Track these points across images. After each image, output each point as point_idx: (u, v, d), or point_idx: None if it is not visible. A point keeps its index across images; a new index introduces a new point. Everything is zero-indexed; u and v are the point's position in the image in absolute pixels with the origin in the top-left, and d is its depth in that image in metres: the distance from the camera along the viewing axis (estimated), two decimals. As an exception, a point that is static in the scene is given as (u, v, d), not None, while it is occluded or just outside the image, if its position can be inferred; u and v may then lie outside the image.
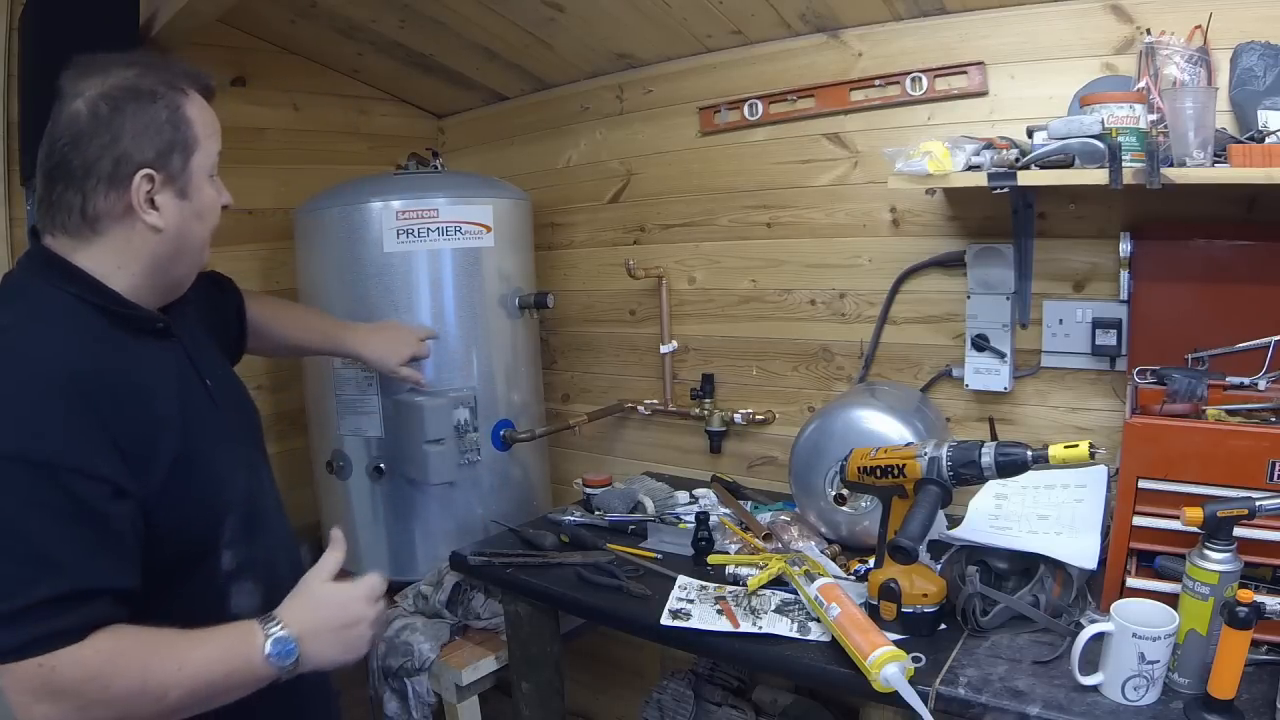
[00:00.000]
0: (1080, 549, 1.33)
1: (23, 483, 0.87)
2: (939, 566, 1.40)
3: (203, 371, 1.14)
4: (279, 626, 0.99)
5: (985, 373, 1.78)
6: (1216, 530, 1.08)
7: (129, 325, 1.03)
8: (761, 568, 1.48)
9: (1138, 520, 1.22)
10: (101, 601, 0.90)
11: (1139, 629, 1.07)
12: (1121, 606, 1.13)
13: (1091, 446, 1.14)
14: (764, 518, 1.78)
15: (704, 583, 1.53)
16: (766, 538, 1.67)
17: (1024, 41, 1.67)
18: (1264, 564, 1.17)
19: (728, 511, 1.87)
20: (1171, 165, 1.31)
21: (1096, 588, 1.31)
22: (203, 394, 1.12)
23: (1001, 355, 1.75)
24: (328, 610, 1.04)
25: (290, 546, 1.24)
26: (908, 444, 1.37)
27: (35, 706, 0.86)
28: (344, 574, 1.10)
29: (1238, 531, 1.08)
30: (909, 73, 1.80)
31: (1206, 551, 1.09)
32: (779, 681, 2.07)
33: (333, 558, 1.09)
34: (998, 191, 1.47)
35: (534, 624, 1.75)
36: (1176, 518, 1.11)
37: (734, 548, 1.66)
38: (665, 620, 1.41)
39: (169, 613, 0.96)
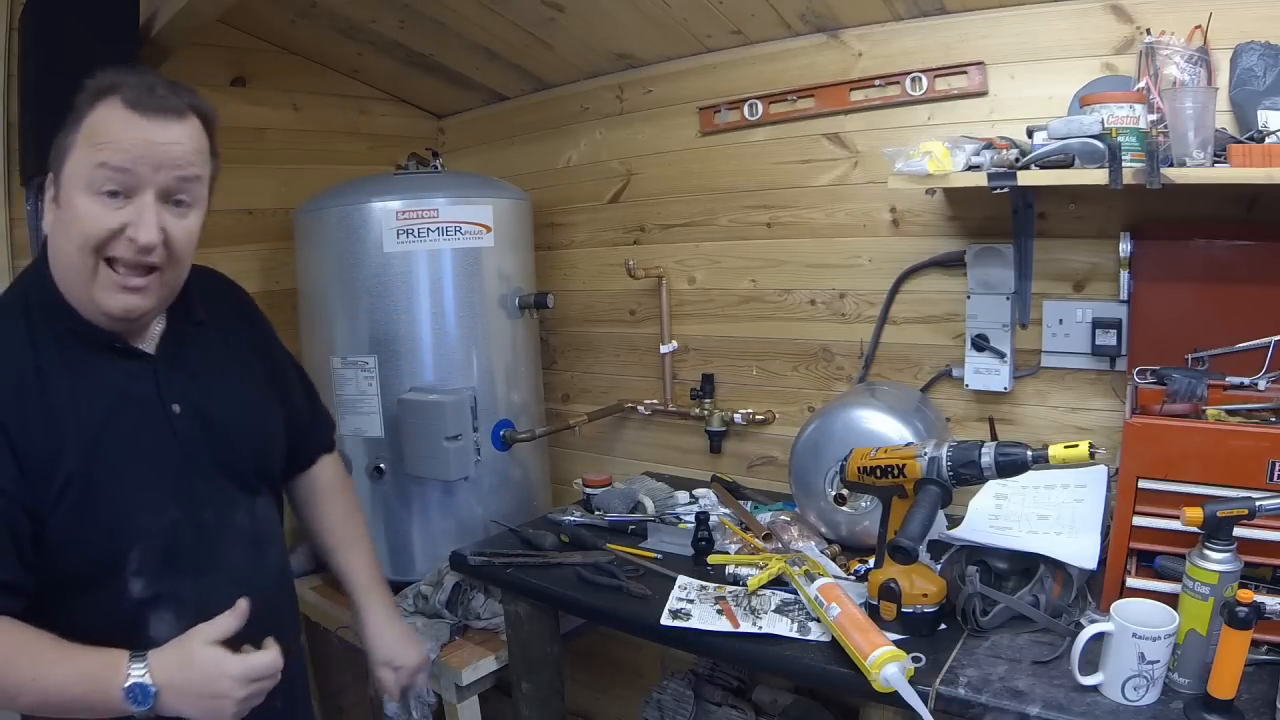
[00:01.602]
0: (1080, 549, 1.33)
1: None
2: (939, 566, 1.40)
3: (170, 396, 1.10)
4: (144, 671, 0.96)
5: (985, 373, 1.78)
6: (1216, 530, 1.08)
7: (77, 338, 1.04)
8: (761, 568, 1.48)
9: (1138, 520, 1.22)
10: None
11: (1139, 629, 1.07)
12: (1121, 606, 1.12)
13: (1091, 446, 1.14)
14: (764, 518, 1.78)
15: (704, 583, 1.53)
16: (766, 538, 1.67)
17: (1024, 41, 1.67)
18: (1264, 564, 1.17)
19: (728, 511, 1.87)
20: (1171, 165, 1.31)
21: (1096, 588, 1.31)
22: (156, 419, 1.08)
23: (1001, 355, 1.75)
24: (196, 674, 0.99)
25: (251, 586, 1.12)
26: (908, 444, 1.37)
27: None
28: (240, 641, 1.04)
29: (1238, 531, 1.08)
30: (909, 73, 1.80)
31: (1206, 551, 1.09)
32: (779, 681, 2.07)
33: (224, 623, 1.02)
34: (998, 191, 1.47)
35: (534, 624, 1.75)
36: (1176, 518, 1.11)
37: (734, 548, 1.66)
38: (665, 620, 1.41)
39: (74, 625, 0.98)
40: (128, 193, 0.99)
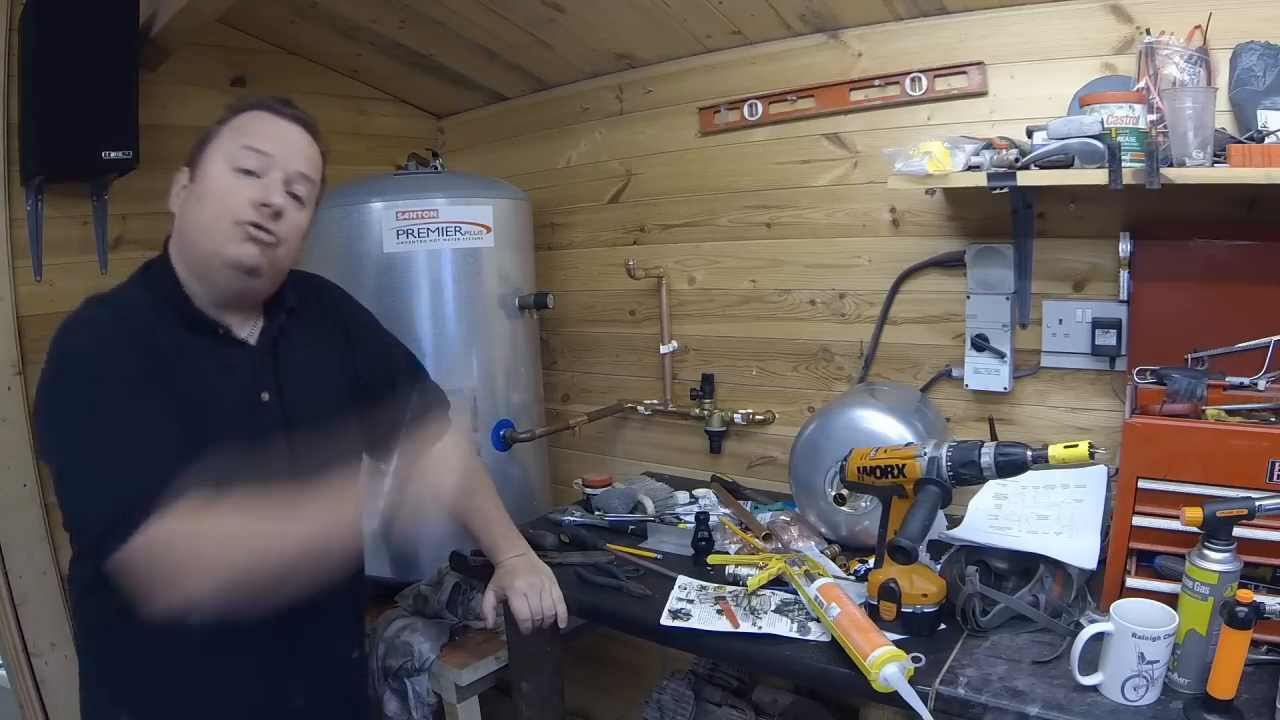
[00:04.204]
0: (1080, 549, 1.33)
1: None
2: (939, 566, 1.40)
3: (260, 384, 1.21)
4: None
5: (985, 373, 1.78)
6: (1216, 530, 1.08)
7: (186, 324, 1.18)
8: (761, 568, 1.48)
9: (1137, 520, 1.22)
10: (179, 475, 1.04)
11: (1139, 629, 1.07)
12: (1121, 606, 1.12)
13: (1091, 446, 1.13)
14: (764, 518, 1.78)
15: (704, 583, 1.53)
16: (766, 538, 1.67)
17: (1024, 41, 1.67)
18: (1264, 564, 1.17)
19: (728, 511, 1.87)
20: (1171, 165, 1.31)
21: (1096, 588, 1.31)
22: (243, 401, 1.19)
23: (1001, 355, 1.75)
24: None
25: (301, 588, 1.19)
26: (907, 444, 1.37)
27: None
28: None
29: (1237, 531, 1.08)
30: (909, 73, 1.80)
31: (1206, 551, 1.09)
32: (779, 681, 2.07)
33: None
34: (997, 191, 1.47)
35: (534, 624, 1.75)
36: (1176, 518, 1.11)
37: (734, 548, 1.66)
38: (665, 620, 1.41)
39: None
40: (260, 172, 1.16)
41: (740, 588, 1.48)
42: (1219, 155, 1.31)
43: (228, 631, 1.13)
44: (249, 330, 1.24)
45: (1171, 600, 1.13)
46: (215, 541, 1.01)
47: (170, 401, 1.09)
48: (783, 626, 1.35)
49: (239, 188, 1.15)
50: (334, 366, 1.35)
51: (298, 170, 1.18)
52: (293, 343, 1.28)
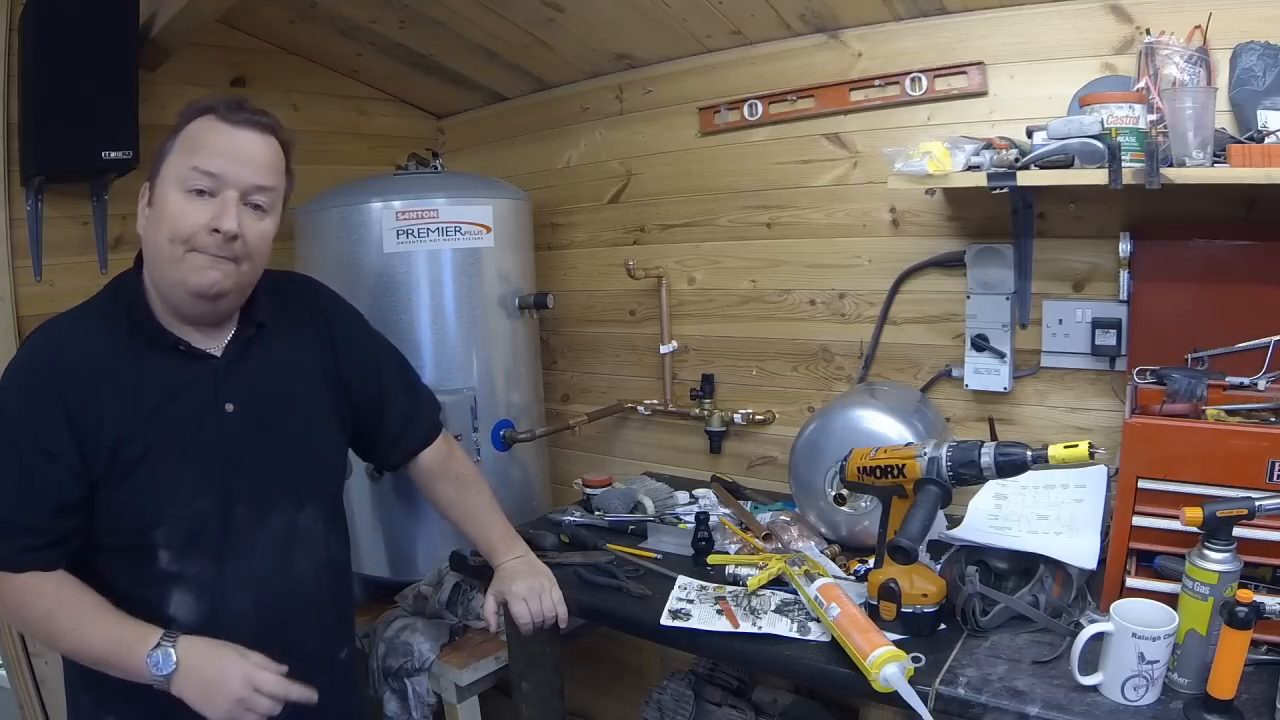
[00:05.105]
0: (1080, 549, 1.33)
1: None
2: (939, 566, 1.40)
3: (225, 396, 1.19)
4: (172, 645, 1.09)
5: (985, 373, 1.78)
6: (1216, 530, 1.08)
7: (146, 338, 1.17)
8: (761, 568, 1.48)
9: (1137, 520, 1.22)
10: (19, 535, 1.08)
11: (1139, 629, 1.07)
12: (1121, 606, 1.12)
13: (1091, 446, 1.14)
14: (764, 518, 1.78)
15: (704, 583, 1.53)
16: (766, 538, 1.67)
17: (1024, 41, 1.67)
18: (1264, 564, 1.17)
19: (728, 511, 1.87)
20: (1171, 165, 1.31)
21: (1096, 588, 1.31)
22: (206, 415, 1.18)
23: (1001, 355, 1.75)
24: (213, 659, 1.11)
25: (269, 587, 1.22)
26: (907, 444, 1.37)
27: None
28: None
29: (1237, 531, 1.08)
30: (909, 73, 1.80)
31: (1206, 551, 1.09)
32: (779, 681, 2.07)
33: (269, 663, 1.13)
34: (997, 192, 1.47)
35: (534, 624, 1.75)
36: (1176, 518, 1.11)
37: (734, 548, 1.66)
38: (665, 620, 1.41)
39: (109, 585, 1.13)
40: (214, 192, 1.12)
41: (740, 588, 1.48)
42: (1219, 155, 1.31)
43: (208, 635, 1.14)
44: (217, 341, 1.22)
45: (1171, 600, 1.13)
46: (15, 607, 1.13)
47: (70, 444, 1.10)
48: (783, 626, 1.35)
49: (191, 211, 1.11)
50: (313, 372, 1.32)
51: (252, 184, 1.15)
52: (266, 349, 1.25)
